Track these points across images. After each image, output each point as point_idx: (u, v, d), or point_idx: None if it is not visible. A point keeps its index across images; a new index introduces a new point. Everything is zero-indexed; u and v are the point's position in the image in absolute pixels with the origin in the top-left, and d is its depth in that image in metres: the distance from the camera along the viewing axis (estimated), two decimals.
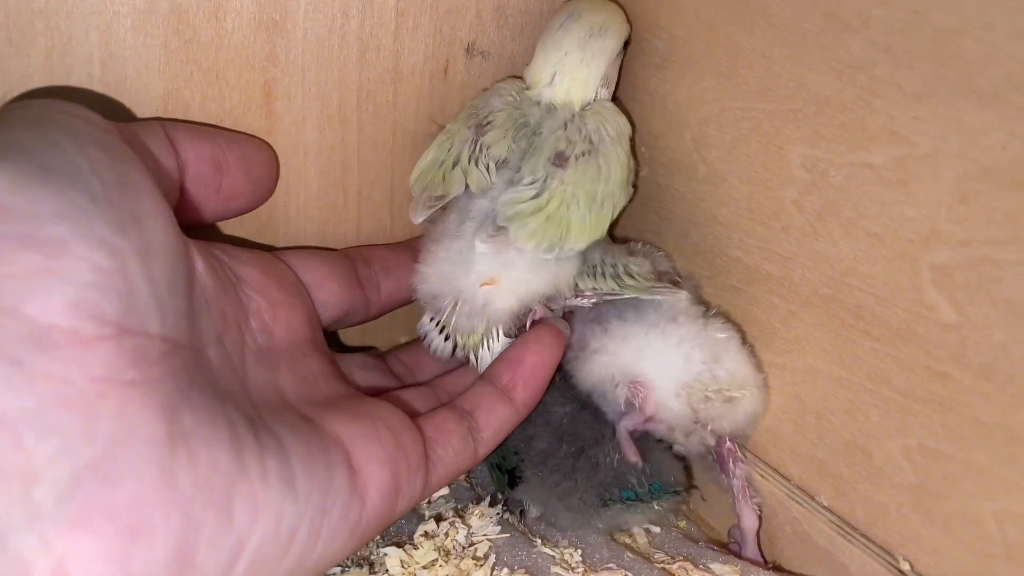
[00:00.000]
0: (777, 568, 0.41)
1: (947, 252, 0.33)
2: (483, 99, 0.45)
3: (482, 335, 0.42)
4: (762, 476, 0.42)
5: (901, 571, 0.36)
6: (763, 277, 0.41)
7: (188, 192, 0.38)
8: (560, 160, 0.42)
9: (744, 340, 0.42)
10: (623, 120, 0.44)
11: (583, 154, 0.42)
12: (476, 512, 0.41)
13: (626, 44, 0.46)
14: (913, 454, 0.35)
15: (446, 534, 0.40)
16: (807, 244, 0.39)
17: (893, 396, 0.36)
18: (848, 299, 0.37)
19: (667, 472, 0.42)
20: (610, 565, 0.39)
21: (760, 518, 0.42)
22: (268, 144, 0.43)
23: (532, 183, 0.41)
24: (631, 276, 0.43)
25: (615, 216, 0.43)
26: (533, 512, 0.42)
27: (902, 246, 0.34)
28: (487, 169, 0.42)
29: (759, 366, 0.42)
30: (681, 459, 0.44)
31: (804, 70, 0.37)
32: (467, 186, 0.42)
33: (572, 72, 0.43)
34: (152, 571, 0.26)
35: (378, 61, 0.45)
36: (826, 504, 0.40)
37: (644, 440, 0.42)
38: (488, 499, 0.43)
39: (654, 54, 0.46)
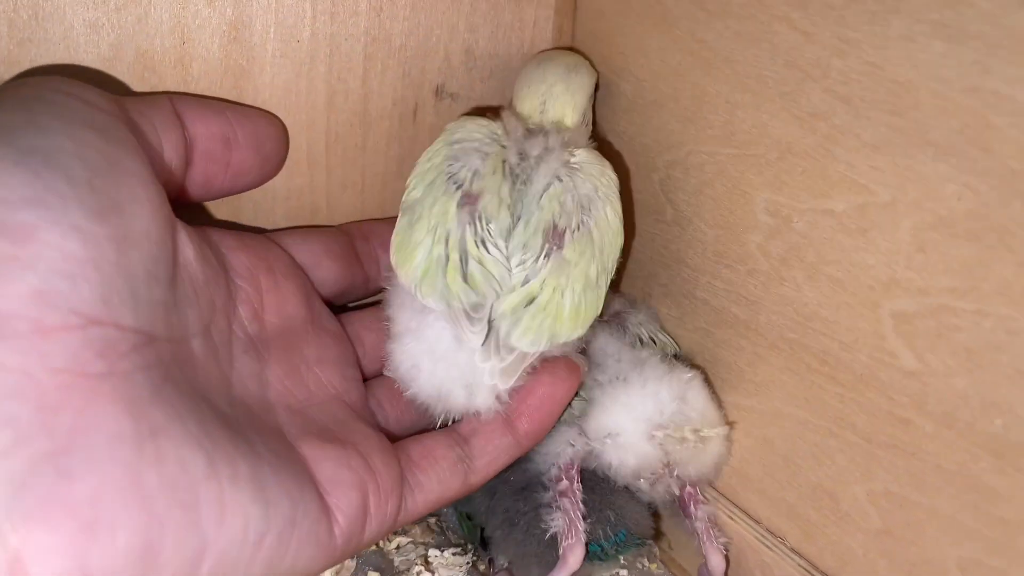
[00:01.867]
0: None
1: (907, 300, 0.33)
2: (453, 154, 0.39)
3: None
4: (731, 518, 0.42)
5: None
6: (730, 320, 0.42)
7: (195, 168, 0.37)
8: (556, 238, 0.38)
9: (706, 379, 0.43)
10: (610, 170, 0.40)
11: (577, 228, 0.38)
12: (443, 560, 0.41)
13: (596, 89, 0.46)
14: (878, 499, 0.35)
15: None
16: (772, 288, 0.39)
17: (858, 441, 0.36)
18: (813, 344, 0.37)
19: (632, 519, 0.42)
20: None
21: (727, 558, 0.42)
22: (278, 119, 0.42)
23: (522, 264, 0.37)
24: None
25: (608, 285, 0.40)
26: (502, 561, 0.42)
27: (864, 293, 0.35)
28: (499, 249, 0.37)
29: (721, 407, 0.42)
30: (647, 503, 0.44)
31: (766, 117, 0.38)
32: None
33: (561, 98, 0.41)
34: (112, 568, 0.25)
35: (346, 105, 0.45)
36: (795, 547, 0.40)
37: (606, 484, 0.42)
38: (457, 547, 0.42)
39: (622, 97, 0.47)
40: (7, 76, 0.35)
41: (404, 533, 0.43)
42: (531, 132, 0.40)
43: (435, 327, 0.37)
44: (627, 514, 0.42)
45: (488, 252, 0.37)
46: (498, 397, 0.38)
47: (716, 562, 0.41)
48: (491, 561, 0.42)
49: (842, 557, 0.37)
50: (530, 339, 0.37)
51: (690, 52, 0.42)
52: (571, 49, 0.49)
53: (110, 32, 0.38)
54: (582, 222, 0.38)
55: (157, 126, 0.34)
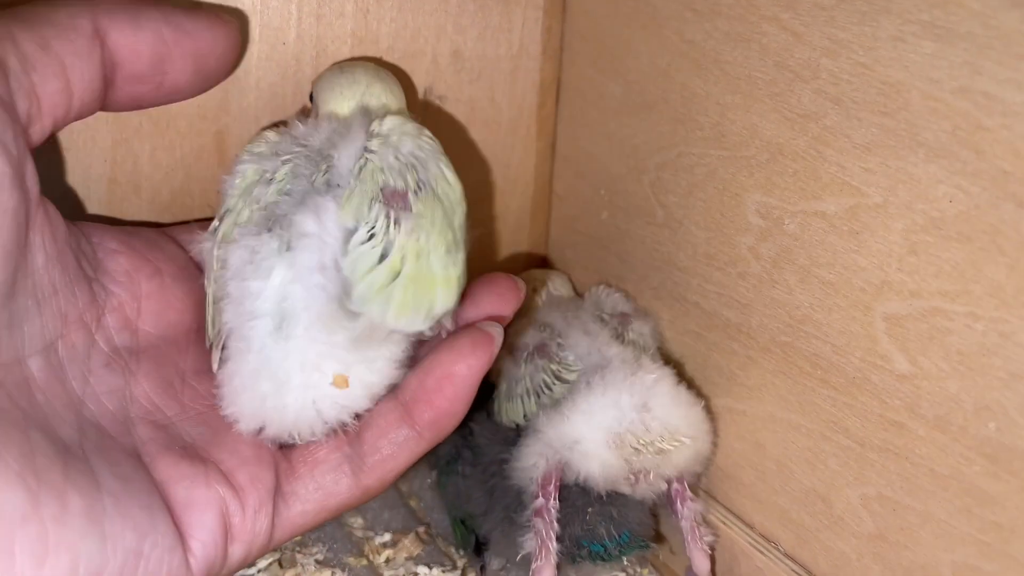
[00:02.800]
0: None
1: (899, 302, 0.33)
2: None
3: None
4: (724, 523, 0.42)
5: None
6: (722, 323, 0.41)
7: (118, 88, 0.34)
8: (397, 199, 0.33)
9: (682, 380, 0.42)
10: (427, 133, 0.36)
11: (418, 187, 0.34)
12: None
13: None
14: (872, 503, 0.35)
15: None
16: (764, 291, 0.39)
17: (851, 445, 0.36)
18: (805, 347, 0.37)
19: (635, 519, 0.42)
20: None
21: (713, 559, 0.41)
22: (230, 29, 0.37)
23: (371, 236, 0.33)
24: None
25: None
26: (495, 564, 0.41)
27: (855, 295, 0.34)
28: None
29: (697, 408, 0.41)
30: (645, 501, 0.44)
31: (757, 118, 0.38)
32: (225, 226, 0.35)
33: (381, 95, 0.38)
34: None
35: None
36: (788, 552, 0.39)
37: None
38: (447, 564, 0.42)
39: (612, 98, 0.46)
40: None
41: (393, 546, 0.42)
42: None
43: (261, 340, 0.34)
44: (629, 514, 0.41)
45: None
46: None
47: (700, 563, 0.40)
48: (482, 568, 0.41)
49: (835, 562, 0.37)
50: (408, 317, 0.33)
51: (679, 53, 0.41)
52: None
53: None
54: (421, 181, 0.34)
55: (59, 52, 0.31)
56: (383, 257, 0.32)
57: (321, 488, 0.34)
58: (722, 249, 0.41)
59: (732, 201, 0.39)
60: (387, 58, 0.45)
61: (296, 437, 0.34)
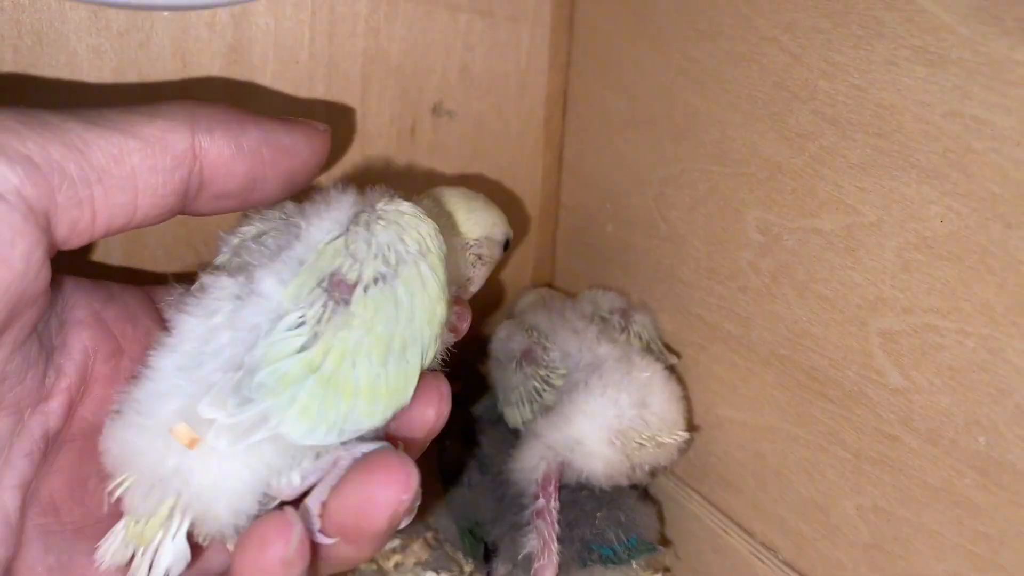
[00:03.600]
0: None
1: (893, 318, 0.34)
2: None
3: (162, 522, 0.29)
4: (725, 532, 0.43)
5: None
6: (723, 335, 0.42)
7: (201, 201, 0.32)
8: (340, 288, 0.30)
9: (670, 375, 0.43)
10: (430, 227, 0.32)
11: (374, 282, 0.30)
12: None
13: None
14: (867, 514, 0.36)
15: None
16: (764, 305, 0.39)
17: (847, 456, 0.36)
18: (803, 360, 0.38)
19: (643, 523, 0.43)
20: None
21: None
22: (324, 139, 0.35)
23: (301, 323, 0.29)
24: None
25: (425, 365, 0.32)
26: (502, 570, 0.42)
27: (852, 311, 0.35)
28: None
29: (685, 401, 0.43)
30: (653, 503, 0.45)
31: (757, 136, 0.38)
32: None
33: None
34: None
35: (344, 124, 0.46)
36: (787, 561, 0.40)
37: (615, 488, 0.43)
38: (453, 571, 0.43)
39: (617, 113, 0.47)
40: (11, 101, 0.36)
41: (402, 550, 0.43)
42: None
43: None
44: (637, 519, 0.42)
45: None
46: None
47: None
48: (489, 574, 0.42)
49: (832, 570, 0.38)
50: (308, 425, 0.29)
51: (682, 71, 0.42)
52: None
53: (112, 57, 0.39)
54: (382, 276, 0.31)
55: (136, 169, 0.29)
56: (304, 348, 0.29)
57: None
58: (723, 263, 0.41)
59: (733, 216, 0.40)
60: (397, 75, 0.46)
61: (135, 503, 0.29)
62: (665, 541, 0.45)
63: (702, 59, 0.41)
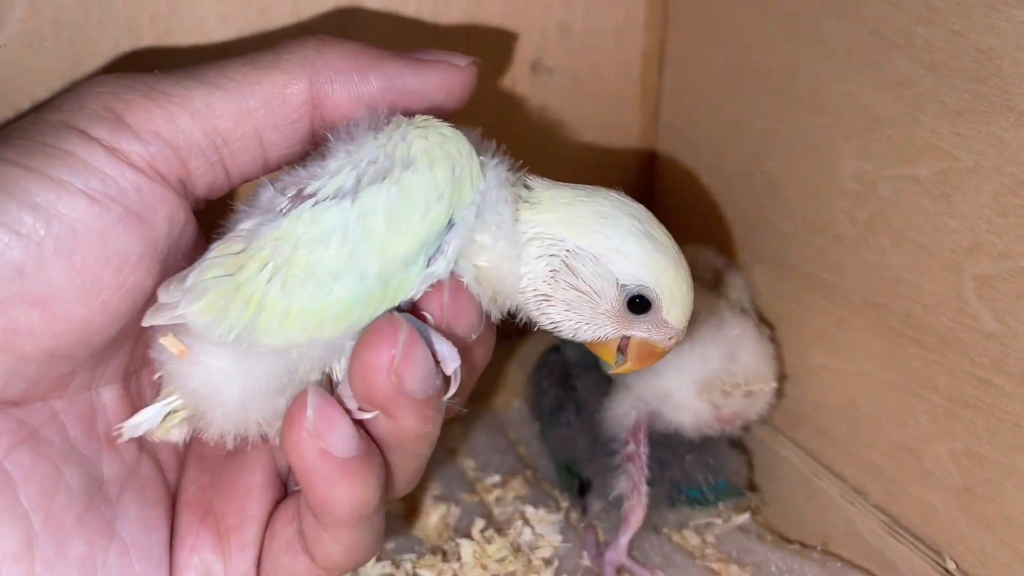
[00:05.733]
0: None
1: (988, 263, 0.34)
2: None
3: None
4: (816, 476, 0.43)
5: (947, 570, 0.37)
6: (817, 285, 0.43)
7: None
8: (298, 199, 0.29)
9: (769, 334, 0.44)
10: (444, 135, 0.29)
11: (334, 195, 0.29)
12: (539, 516, 0.44)
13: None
14: (959, 458, 0.36)
15: (519, 533, 0.42)
16: (859, 253, 0.40)
17: (940, 401, 0.37)
18: (897, 307, 0.38)
19: (732, 469, 0.44)
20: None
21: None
22: (466, 74, 0.33)
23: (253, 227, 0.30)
24: None
25: (400, 297, 0.29)
26: (596, 506, 0.44)
27: (946, 256, 0.36)
28: None
29: (776, 359, 0.43)
30: (743, 452, 0.46)
31: (853, 86, 0.39)
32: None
33: None
34: None
35: None
36: (878, 504, 0.41)
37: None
38: (550, 505, 0.45)
39: (714, 68, 0.48)
40: (151, 67, 0.39)
41: (503, 486, 0.46)
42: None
43: None
44: (726, 464, 0.44)
45: None
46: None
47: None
48: (584, 510, 0.44)
49: (924, 514, 0.38)
50: (208, 320, 0.29)
51: (779, 23, 0.43)
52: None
53: (237, 23, 0.42)
54: (344, 189, 0.29)
55: (258, 127, 0.30)
56: (240, 252, 0.29)
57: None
58: (819, 213, 0.42)
59: (829, 167, 0.41)
60: (497, 33, 0.48)
61: None
62: (753, 487, 0.46)
63: (799, 11, 0.41)
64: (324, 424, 0.28)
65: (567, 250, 0.30)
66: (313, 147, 0.32)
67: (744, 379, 0.42)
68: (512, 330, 0.35)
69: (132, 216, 0.29)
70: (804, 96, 0.42)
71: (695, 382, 0.42)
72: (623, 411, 0.43)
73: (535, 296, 0.31)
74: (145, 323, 0.30)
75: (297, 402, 0.29)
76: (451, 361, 0.29)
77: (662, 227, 0.32)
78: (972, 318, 0.35)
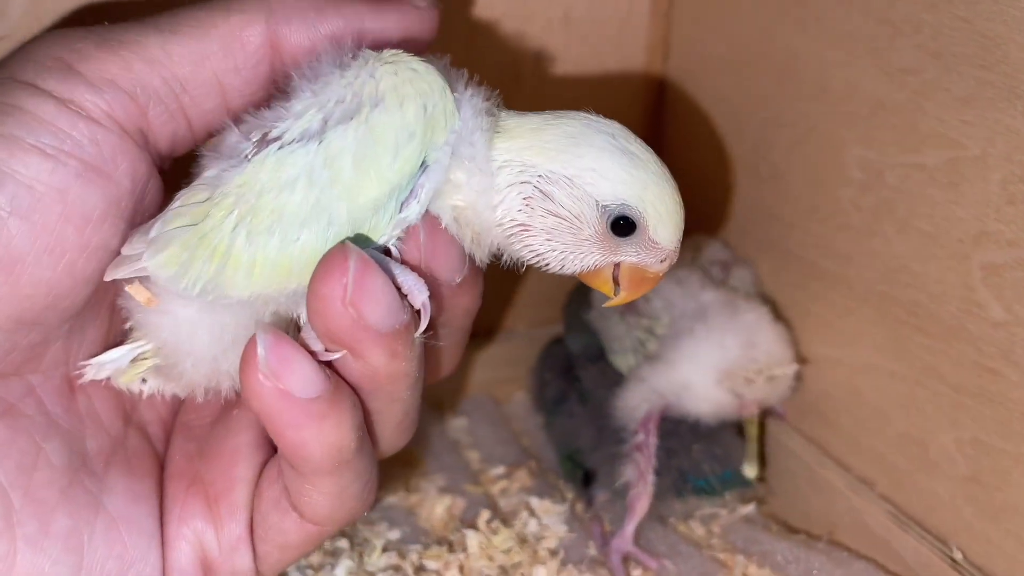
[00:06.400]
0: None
1: (996, 252, 0.34)
2: None
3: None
4: (822, 467, 0.43)
5: (954, 560, 0.37)
6: (821, 274, 0.43)
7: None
8: (263, 143, 0.28)
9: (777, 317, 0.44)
10: (414, 71, 0.28)
11: (300, 138, 0.27)
12: (544, 507, 0.43)
13: None
14: (965, 447, 0.36)
15: (524, 524, 0.42)
16: (864, 242, 0.40)
17: (946, 391, 0.37)
18: (902, 296, 0.38)
19: (737, 459, 0.44)
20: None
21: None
22: (425, 16, 0.31)
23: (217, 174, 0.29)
24: None
25: (371, 244, 0.28)
26: (600, 496, 0.44)
27: (953, 245, 0.35)
28: None
29: (792, 341, 0.43)
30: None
31: (858, 73, 0.39)
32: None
33: None
34: None
35: None
36: (883, 494, 0.41)
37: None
38: (555, 496, 0.45)
39: (718, 58, 0.48)
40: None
41: (507, 477, 0.46)
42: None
43: None
44: (732, 454, 0.44)
45: None
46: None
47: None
48: (588, 501, 0.44)
49: (929, 503, 0.38)
50: (171, 272, 0.28)
51: (782, 11, 0.42)
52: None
53: None
54: (310, 131, 0.27)
55: (216, 71, 0.29)
56: (206, 201, 0.28)
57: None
58: (824, 202, 0.42)
59: (833, 155, 0.41)
60: (500, 23, 0.48)
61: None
62: (760, 477, 0.46)
63: None
64: (279, 363, 0.27)
65: (539, 175, 0.29)
66: (277, 91, 0.30)
67: (766, 364, 0.42)
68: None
69: (91, 171, 0.27)
70: (808, 84, 0.41)
71: (716, 372, 0.42)
72: (635, 403, 0.43)
73: (513, 227, 0.29)
74: (107, 277, 0.29)
75: (250, 344, 0.27)
76: (418, 293, 0.28)
77: (641, 142, 0.30)
78: (979, 307, 0.35)
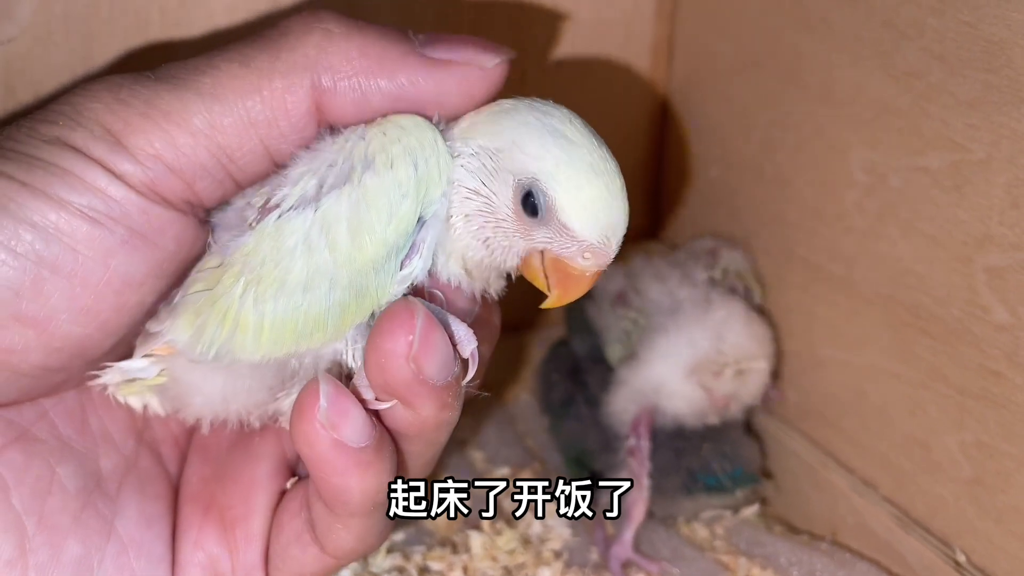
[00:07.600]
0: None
1: (1000, 255, 0.34)
2: None
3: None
4: (825, 468, 0.43)
5: (957, 562, 0.37)
6: (826, 276, 0.43)
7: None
8: (264, 210, 0.28)
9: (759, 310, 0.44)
10: (402, 127, 0.28)
11: (294, 208, 0.28)
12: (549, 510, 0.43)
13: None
14: (969, 449, 0.36)
15: (528, 525, 0.42)
16: (868, 245, 0.40)
17: (950, 393, 0.37)
18: (907, 299, 0.38)
19: (746, 456, 0.44)
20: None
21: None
22: (484, 86, 0.29)
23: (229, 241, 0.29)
24: None
25: (360, 308, 0.28)
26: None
27: (957, 248, 0.35)
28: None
29: (768, 336, 0.44)
30: (756, 438, 0.46)
31: (863, 76, 0.39)
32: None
33: None
34: None
35: None
36: (887, 496, 0.41)
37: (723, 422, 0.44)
38: (562, 499, 0.45)
39: (722, 58, 0.48)
40: (161, 61, 0.39)
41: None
42: None
43: None
44: (741, 452, 0.44)
45: None
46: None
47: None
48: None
49: (933, 505, 0.38)
50: (188, 337, 0.29)
51: (788, 12, 0.42)
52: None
53: (243, 11, 0.42)
54: (306, 197, 0.28)
55: (264, 139, 0.28)
56: (219, 266, 0.29)
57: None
58: (828, 204, 0.42)
59: (838, 158, 0.41)
60: (505, 22, 0.48)
61: None
62: (767, 473, 0.46)
63: (808, 1, 0.41)
64: (337, 414, 0.27)
65: (470, 153, 0.28)
66: None
67: (733, 358, 0.42)
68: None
69: (136, 238, 0.28)
70: (813, 86, 0.41)
71: (685, 367, 0.42)
72: (622, 406, 0.43)
73: (456, 222, 0.29)
74: (135, 356, 0.30)
75: (308, 392, 0.28)
76: (468, 343, 0.28)
77: (585, 129, 0.28)
78: (983, 310, 0.35)
